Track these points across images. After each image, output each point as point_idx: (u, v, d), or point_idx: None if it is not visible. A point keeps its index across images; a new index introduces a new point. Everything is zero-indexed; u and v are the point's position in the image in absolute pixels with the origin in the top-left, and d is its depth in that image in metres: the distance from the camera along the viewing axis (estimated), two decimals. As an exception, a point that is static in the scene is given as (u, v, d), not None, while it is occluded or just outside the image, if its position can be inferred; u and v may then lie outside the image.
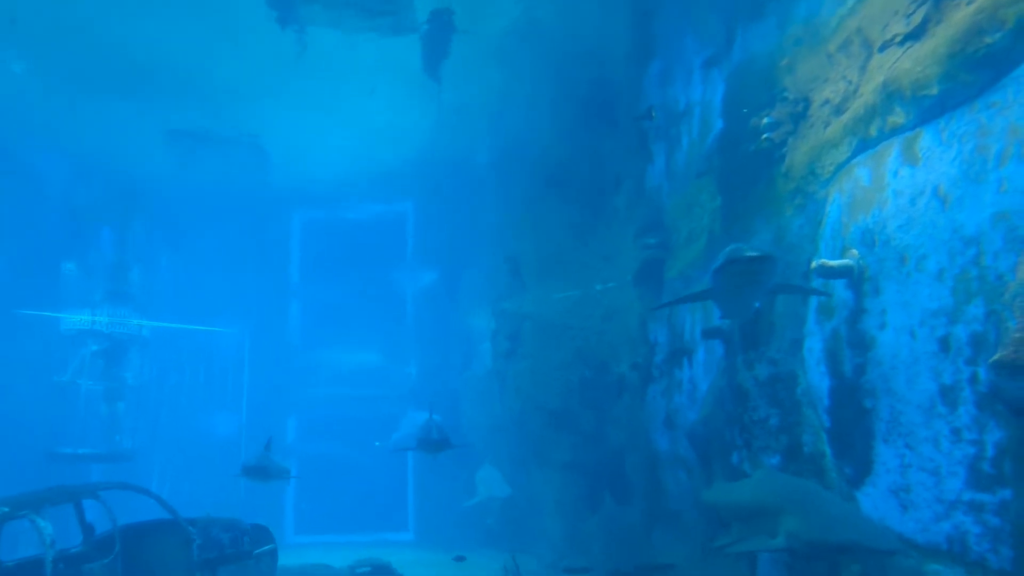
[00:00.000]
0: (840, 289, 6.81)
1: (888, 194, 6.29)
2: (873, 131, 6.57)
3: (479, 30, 12.78)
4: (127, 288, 19.40)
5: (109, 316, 18.70)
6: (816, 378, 7.16)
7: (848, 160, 6.93)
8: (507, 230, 17.16)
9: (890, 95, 6.32)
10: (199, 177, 18.14)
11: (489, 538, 15.88)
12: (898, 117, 6.24)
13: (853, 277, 6.58)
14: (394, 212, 22.12)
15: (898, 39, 6.45)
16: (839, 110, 7.25)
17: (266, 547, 9.85)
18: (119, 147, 17.01)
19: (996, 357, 4.86)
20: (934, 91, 5.79)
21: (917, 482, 5.78)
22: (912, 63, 6.10)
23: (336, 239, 22.15)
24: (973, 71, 5.43)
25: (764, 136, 8.23)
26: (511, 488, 14.59)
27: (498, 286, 17.36)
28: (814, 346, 7.22)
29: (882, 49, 6.69)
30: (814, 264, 6.83)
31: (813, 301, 7.29)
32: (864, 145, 6.71)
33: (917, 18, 6.23)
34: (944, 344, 5.55)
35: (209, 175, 18.06)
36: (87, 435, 18.07)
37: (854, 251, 6.62)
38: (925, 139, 5.92)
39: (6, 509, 6.92)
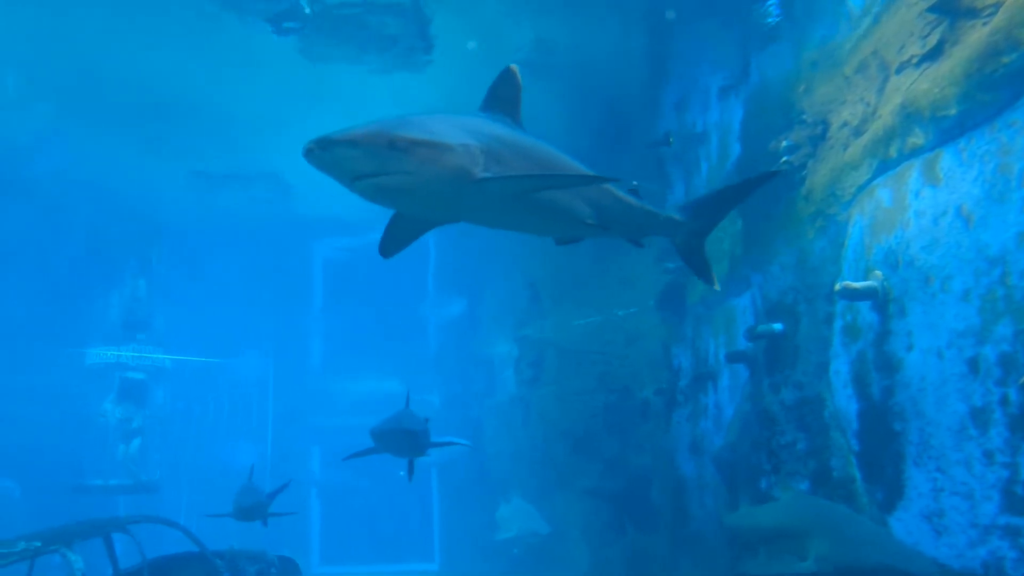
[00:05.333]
0: (865, 311, 6.77)
1: (910, 215, 6.27)
2: (893, 152, 6.57)
3: (494, 57, 12.91)
4: (152, 321, 19.65)
5: (134, 350, 18.94)
6: (843, 401, 7.09)
7: (869, 181, 6.93)
8: (526, 256, 17.21)
9: (909, 116, 6.33)
10: (222, 211, 18.39)
11: (514, 567, 15.75)
12: (917, 138, 6.24)
13: (878, 299, 6.55)
14: (416, 241, 22.24)
15: (915, 60, 6.47)
16: (858, 132, 7.26)
17: (293, 579, 9.85)
18: (143, 184, 17.31)
19: (1027, 378, 4.81)
20: (953, 111, 5.80)
21: (950, 506, 5.69)
22: (930, 84, 6.11)
23: (358, 268, 22.32)
24: (991, 91, 5.44)
25: (783, 159, 8.24)
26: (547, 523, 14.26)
27: (518, 312, 17.38)
28: (840, 369, 7.16)
29: (899, 71, 6.71)
30: (838, 286, 6.80)
31: (838, 322, 7.25)
32: (884, 166, 6.71)
33: (933, 39, 6.25)
34: (973, 365, 5.49)
35: (232, 209, 18.31)
36: (114, 467, 18.21)
37: (878, 272, 6.59)
38: (946, 159, 5.91)
39: (38, 544, 6.99)
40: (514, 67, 5.08)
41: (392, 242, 4.88)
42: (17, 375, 17.87)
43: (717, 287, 6.45)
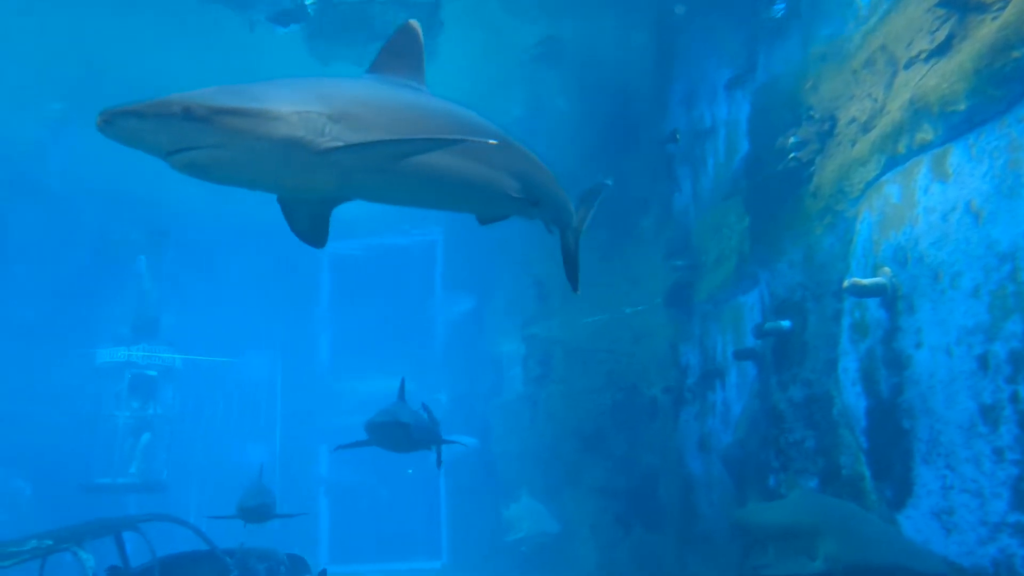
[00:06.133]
0: (874, 308, 6.74)
1: (919, 211, 6.24)
2: (901, 148, 6.54)
3: (502, 55, 12.90)
4: (160, 321, 19.73)
5: (142, 349, 19.03)
6: (852, 398, 7.07)
7: (877, 178, 6.90)
8: (533, 253, 17.20)
9: (917, 112, 6.29)
10: (230, 210, 18.45)
11: (522, 564, 15.76)
12: (926, 133, 6.21)
13: (886, 295, 6.52)
14: (422, 239, 22.29)
15: (923, 56, 6.44)
16: (866, 128, 7.23)
17: (302, 577, 9.88)
18: (152, 184, 17.38)
19: (1037, 374, 4.78)
20: (962, 107, 5.76)
21: (960, 504, 5.66)
22: (939, 79, 6.08)
23: (365, 268, 22.36)
24: (1001, 86, 5.40)
25: (791, 155, 8.21)
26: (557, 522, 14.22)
27: (526, 310, 17.38)
28: (849, 366, 7.14)
29: (907, 66, 6.68)
30: (846, 283, 6.78)
31: (846, 319, 7.22)
32: (893, 162, 6.68)
33: (942, 35, 6.21)
34: (983, 362, 5.46)
35: (240, 207, 18.36)
36: (123, 466, 18.29)
37: (886, 269, 6.56)
38: (955, 155, 5.88)
39: (50, 542, 7.03)
40: (414, 22, 4.61)
41: (299, 228, 4.38)
42: (27, 375, 17.98)
43: (576, 291, 5.98)
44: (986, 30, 5.65)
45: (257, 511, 9.53)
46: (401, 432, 7.99)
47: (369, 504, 21.17)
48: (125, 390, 18.77)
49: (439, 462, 9.32)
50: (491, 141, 4.06)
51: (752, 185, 9.53)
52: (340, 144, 3.58)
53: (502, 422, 18.24)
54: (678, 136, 11.72)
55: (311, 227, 4.41)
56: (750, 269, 9.48)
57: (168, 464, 18.97)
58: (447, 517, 20.75)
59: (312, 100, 3.65)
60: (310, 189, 3.99)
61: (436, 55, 12.86)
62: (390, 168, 3.81)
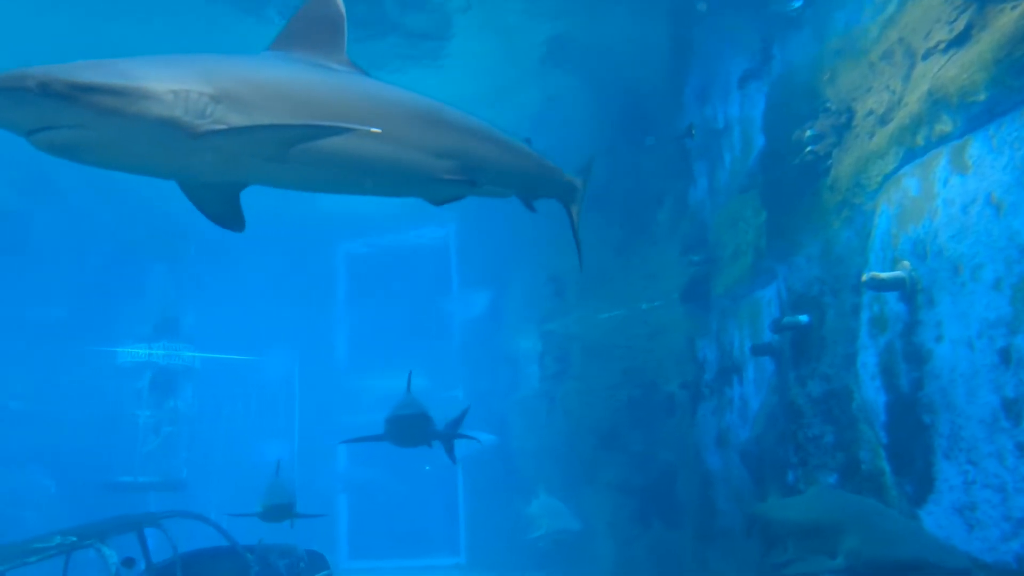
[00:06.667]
0: (893, 302, 6.69)
1: (938, 203, 6.17)
2: (920, 140, 6.47)
3: (515, 51, 12.88)
4: (179, 320, 19.94)
5: (162, 348, 19.24)
6: (871, 393, 7.01)
7: (895, 170, 6.83)
8: (549, 249, 17.19)
9: (936, 103, 6.22)
10: (247, 210, 18.57)
11: (541, 561, 15.78)
12: (945, 125, 6.14)
13: (906, 289, 6.46)
14: (437, 236, 22.33)
15: (942, 46, 6.36)
16: (884, 120, 7.16)
17: (322, 573, 9.94)
18: (171, 185, 17.52)
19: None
20: (981, 97, 5.69)
21: (983, 499, 5.61)
22: (958, 70, 6.01)
23: (381, 265, 22.44)
24: (1021, 76, 5.33)
25: (808, 149, 8.15)
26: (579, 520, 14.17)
27: (542, 307, 17.37)
28: (868, 360, 7.08)
29: (925, 57, 6.60)
30: (865, 277, 6.72)
31: (865, 314, 7.16)
32: (911, 155, 6.61)
33: (960, 24, 6.14)
34: (1005, 356, 5.40)
35: (257, 210, 18.46)
36: (144, 465, 18.51)
37: (905, 263, 6.50)
38: (974, 147, 5.81)
39: (74, 538, 7.13)
40: None
41: (210, 212, 4.06)
42: (51, 375, 18.23)
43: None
44: (1006, 19, 5.58)
45: (279, 510, 9.49)
46: (423, 425, 7.92)
47: (387, 501, 21.26)
48: (146, 389, 19.01)
49: (452, 458, 9.33)
50: (374, 130, 3.52)
51: (769, 179, 9.47)
52: (222, 127, 3.25)
53: (519, 419, 18.26)
54: (694, 131, 11.66)
55: (222, 211, 4.13)
56: (767, 264, 9.43)
57: (188, 462, 19.19)
58: (465, 513, 20.81)
59: (192, 78, 3.30)
60: (196, 174, 3.65)
61: (449, 54, 12.89)
62: (282, 155, 3.43)
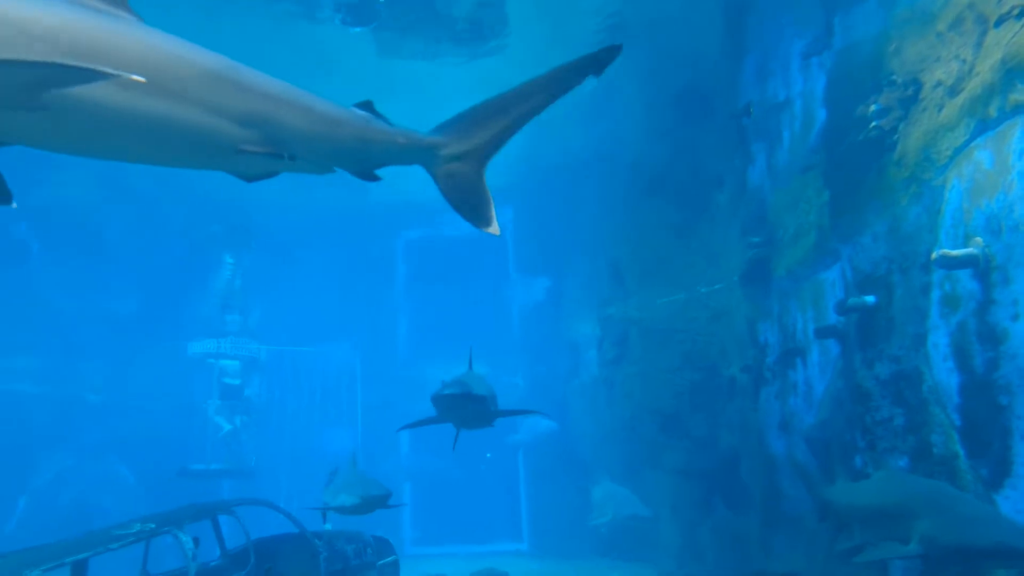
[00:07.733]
0: (965, 280, 6.45)
1: (1014, 176, 5.92)
2: (993, 111, 6.21)
3: (569, 33, 12.79)
4: (247, 313, 20.54)
5: (231, 341, 19.86)
6: (943, 375, 6.79)
7: (966, 143, 6.57)
8: (607, 234, 17.07)
9: (1010, 71, 5.96)
10: (309, 205, 18.92)
11: (603, 546, 15.78)
12: (1020, 95, 5.88)
13: (979, 267, 6.22)
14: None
15: (1016, 12, 6.08)
16: (953, 91, 6.88)
17: (388, 558, 10.13)
18: (233, 182, 17.96)
19: None
20: (1060, 64, 5.43)
21: (1064, 483, 5.39)
22: (1033, 36, 5.74)
23: (439, 254, 22.60)
24: (1103, 39, 5.06)
25: (872, 124, 7.89)
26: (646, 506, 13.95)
27: (601, 292, 17.30)
28: (939, 341, 6.85)
29: (998, 24, 6.32)
30: (935, 255, 6.50)
31: (935, 292, 6.93)
32: (983, 126, 6.35)
33: (1036, -13, 5.86)
34: (1087, 334, 5.17)
35: (318, 202, 18.81)
36: (215, 453, 19.16)
37: (978, 239, 6.26)
38: (1052, 116, 5.55)
39: (152, 525, 7.43)
40: None
41: None
42: (127, 367, 18.98)
43: (496, 231, 4.59)
44: (1085, -20, 5.31)
45: (374, 501, 9.09)
46: (465, 405, 7.17)
47: (450, 488, 21.52)
48: (216, 380, 19.66)
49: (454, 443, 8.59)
50: (135, 77, 2.97)
51: (831, 157, 9.21)
52: None
53: (580, 404, 18.26)
54: (752, 109, 11.40)
55: None
56: (831, 244, 9.19)
57: (256, 451, 19.77)
58: (527, 500, 20.93)
59: None
60: None
61: (507, 44, 12.88)
62: (29, 102, 2.94)
